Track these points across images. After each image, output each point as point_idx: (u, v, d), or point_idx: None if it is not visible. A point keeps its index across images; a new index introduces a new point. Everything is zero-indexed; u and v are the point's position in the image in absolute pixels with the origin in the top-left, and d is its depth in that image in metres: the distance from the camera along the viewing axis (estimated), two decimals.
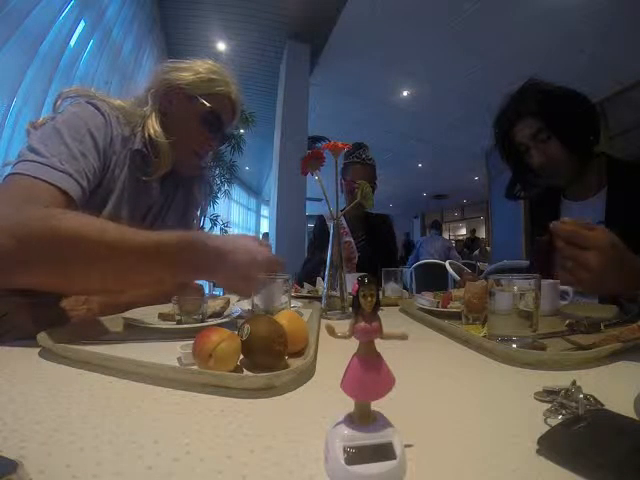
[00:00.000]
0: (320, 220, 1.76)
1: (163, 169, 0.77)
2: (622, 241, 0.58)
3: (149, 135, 0.75)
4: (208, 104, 0.78)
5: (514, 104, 0.98)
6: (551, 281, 0.76)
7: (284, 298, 0.65)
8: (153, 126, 0.75)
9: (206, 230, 3.70)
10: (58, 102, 0.72)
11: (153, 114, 0.77)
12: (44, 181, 0.56)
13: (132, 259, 0.51)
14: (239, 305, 0.75)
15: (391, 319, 0.81)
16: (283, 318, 0.48)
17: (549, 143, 0.92)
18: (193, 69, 0.79)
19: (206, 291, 0.69)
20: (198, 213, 0.99)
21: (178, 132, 0.78)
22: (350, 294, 0.83)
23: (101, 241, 0.50)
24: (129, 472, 0.22)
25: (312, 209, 4.58)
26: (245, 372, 0.41)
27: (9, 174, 0.56)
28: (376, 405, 0.24)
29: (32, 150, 0.59)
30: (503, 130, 1.00)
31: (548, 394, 0.33)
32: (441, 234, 5.56)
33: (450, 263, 2.79)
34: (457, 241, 10.44)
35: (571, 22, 3.21)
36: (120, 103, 0.76)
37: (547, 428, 0.27)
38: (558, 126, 0.91)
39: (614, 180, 0.94)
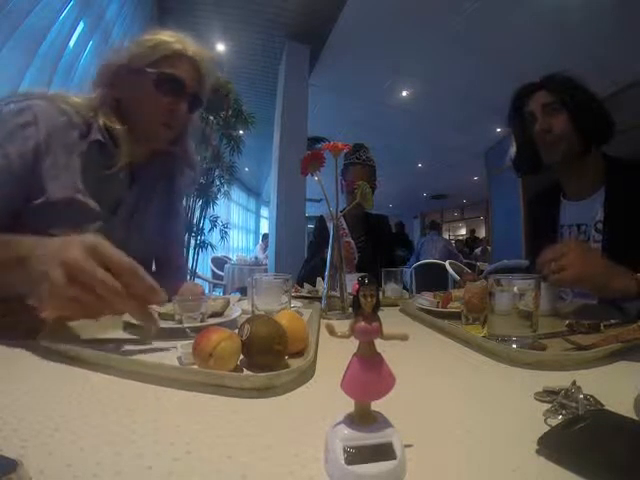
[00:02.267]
0: (320, 221, 1.76)
1: (125, 158, 0.75)
2: (621, 240, 0.59)
3: (105, 125, 0.73)
4: (156, 69, 0.74)
5: (538, 81, 1.01)
6: None
7: (284, 298, 0.65)
8: (105, 114, 0.74)
9: (207, 231, 3.68)
10: None
11: (104, 102, 0.75)
12: None
13: None
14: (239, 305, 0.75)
15: (391, 319, 0.81)
16: (283, 318, 0.48)
17: (557, 115, 0.95)
18: (136, 42, 0.76)
19: (206, 291, 0.69)
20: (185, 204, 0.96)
21: (138, 109, 0.77)
22: (350, 294, 0.83)
23: None
24: (129, 472, 0.22)
25: (312, 210, 4.58)
26: (245, 372, 0.41)
27: None
28: (376, 405, 0.24)
29: None
30: (519, 99, 1.04)
31: (548, 394, 0.33)
32: (440, 234, 5.56)
33: (450, 263, 2.80)
34: (457, 241, 10.46)
35: (571, 22, 3.21)
36: (74, 99, 0.74)
37: (547, 428, 0.27)
38: (571, 102, 0.93)
39: (612, 180, 0.94)
